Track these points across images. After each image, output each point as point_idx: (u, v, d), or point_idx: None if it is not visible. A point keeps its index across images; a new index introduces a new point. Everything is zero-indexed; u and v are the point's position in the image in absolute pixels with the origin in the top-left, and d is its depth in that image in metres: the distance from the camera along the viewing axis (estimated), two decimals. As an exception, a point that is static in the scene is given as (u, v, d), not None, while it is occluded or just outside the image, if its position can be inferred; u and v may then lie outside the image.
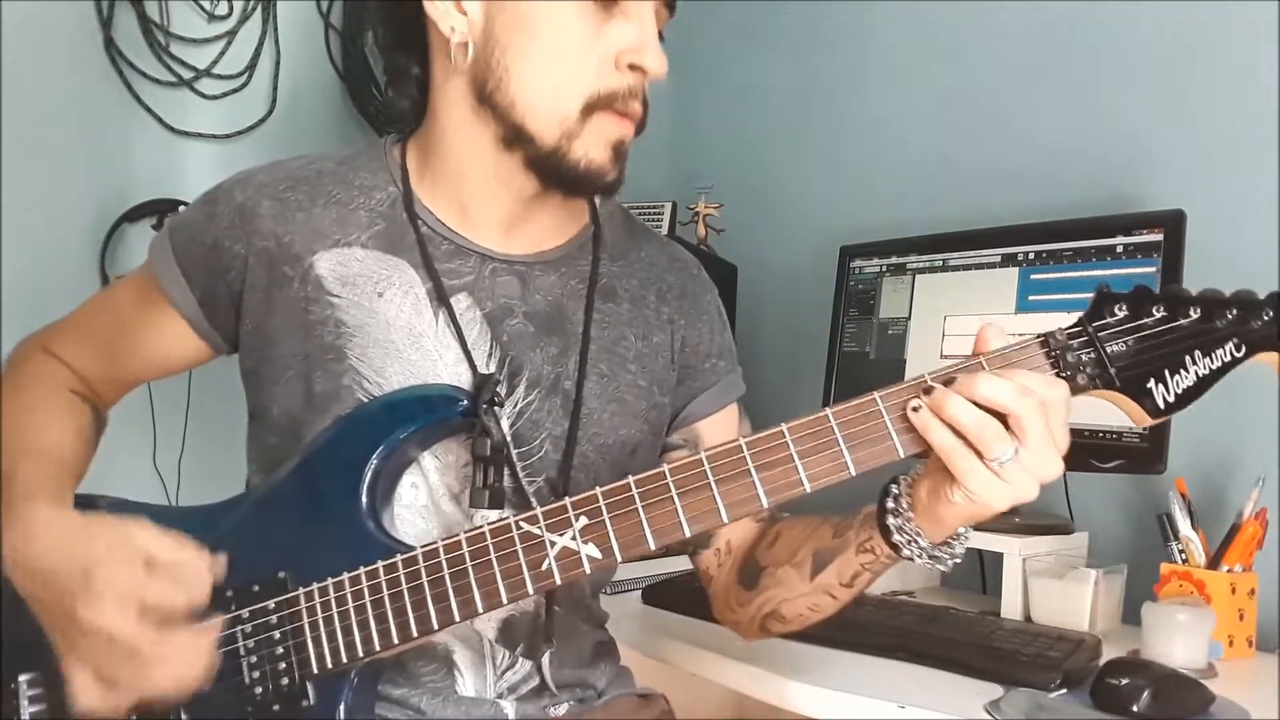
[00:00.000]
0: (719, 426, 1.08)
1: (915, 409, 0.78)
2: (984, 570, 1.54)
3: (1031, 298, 1.40)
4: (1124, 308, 0.80)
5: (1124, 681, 0.98)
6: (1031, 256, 1.41)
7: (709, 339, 1.08)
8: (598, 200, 1.07)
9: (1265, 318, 0.77)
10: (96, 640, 0.81)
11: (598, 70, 0.91)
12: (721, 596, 1.04)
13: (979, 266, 1.47)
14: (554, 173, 0.94)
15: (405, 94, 1.00)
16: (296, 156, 1.03)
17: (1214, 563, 1.24)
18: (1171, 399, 0.78)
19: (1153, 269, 1.28)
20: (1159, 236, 1.28)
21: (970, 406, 0.76)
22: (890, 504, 0.86)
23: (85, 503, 0.94)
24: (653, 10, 0.93)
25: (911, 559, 0.86)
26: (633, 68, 0.92)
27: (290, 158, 1.03)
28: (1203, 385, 0.78)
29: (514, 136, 0.93)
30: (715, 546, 1.03)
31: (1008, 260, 1.43)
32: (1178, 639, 1.13)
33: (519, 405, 0.97)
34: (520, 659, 0.97)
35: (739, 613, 1.01)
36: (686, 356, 1.06)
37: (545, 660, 0.97)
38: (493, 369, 0.96)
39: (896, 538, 0.86)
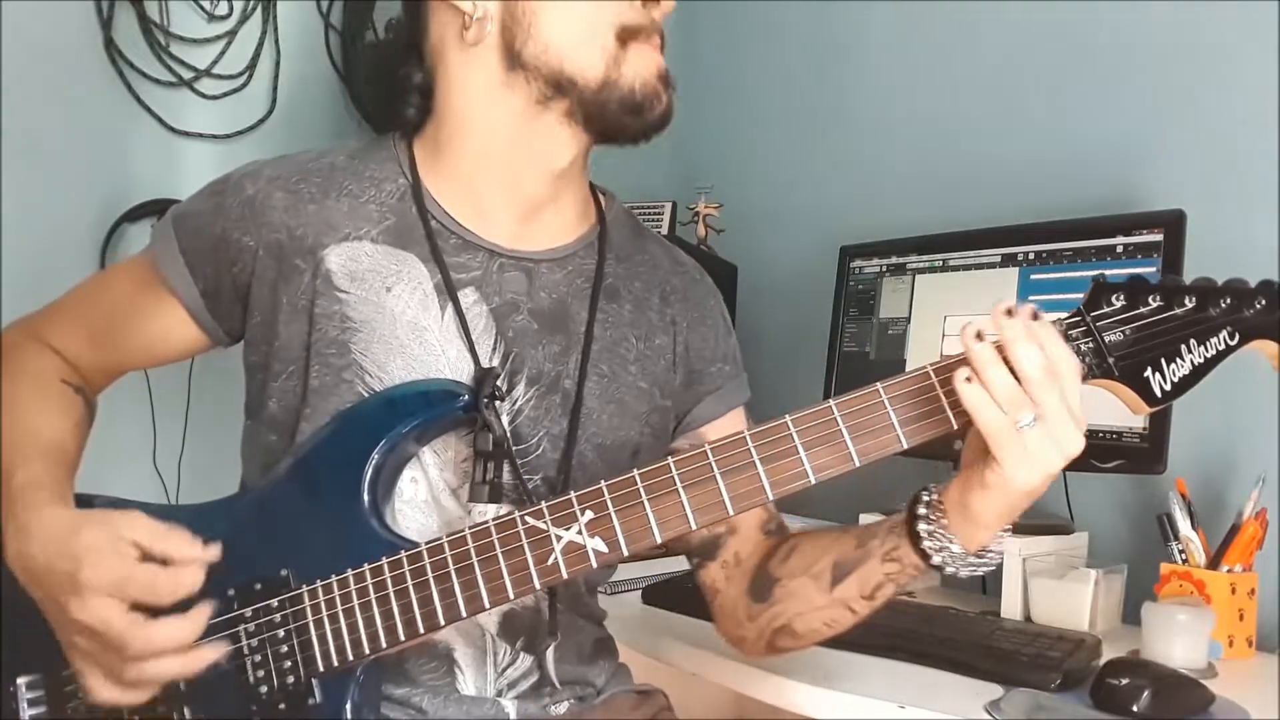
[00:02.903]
0: (724, 431, 1.07)
1: (969, 379, 0.77)
2: (984, 570, 1.54)
3: (1032, 298, 1.39)
4: (1121, 297, 0.80)
5: (1124, 681, 0.98)
6: (1031, 256, 1.41)
7: (713, 343, 1.08)
8: (603, 200, 1.07)
9: (1258, 305, 0.78)
10: (89, 636, 0.81)
11: (618, 4, 0.93)
12: (728, 610, 1.02)
13: (979, 266, 1.47)
14: (608, 107, 0.94)
15: (410, 103, 1.00)
16: (304, 150, 1.03)
17: (1214, 563, 1.24)
18: (1168, 387, 0.79)
19: (1153, 269, 1.28)
20: (1159, 236, 1.29)
21: (1008, 375, 0.76)
22: (921, 510, 0.86)
23: (83, 502, 0.93)
24: None
25: (940, 568, 0.86)
26: (646, 2, 0.94)
27: (298, 152, 1.03)
28: (1198, 373, 0.79)
29: (554, 88, 0.93)
30: (723, 559, 1.02)
31: (1008, 260, 1.43)
32: (1178, 639, 1.13)
33: (518, 403, 0.96)
34: (521, 654, 0.97)
35: (746, 627, 0.99)
36: (691, 360, 1.06)
37: (549, 654, 0.97)
38: (496, 364, 0.96)
39: (927, 543, 0.85)
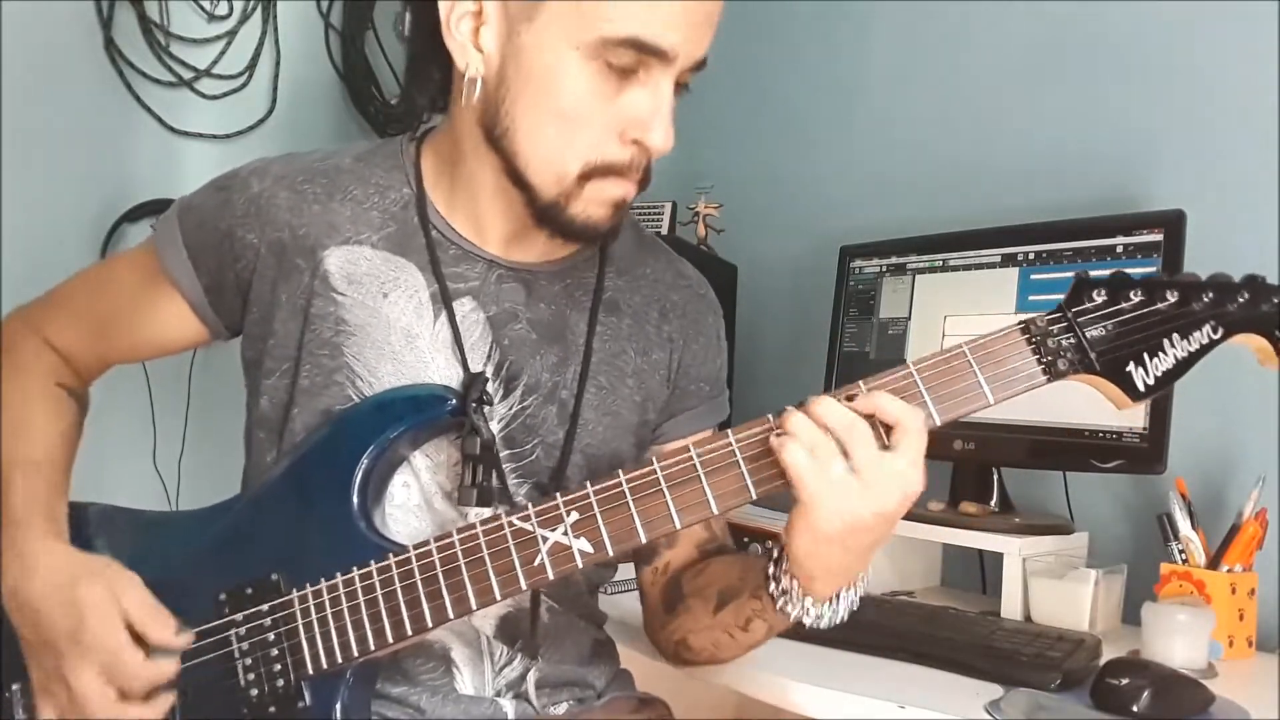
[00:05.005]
0: None
1: (779, 435, 0.79)
2: (984, 570, 1.54)
3: (1031, 298, 1.39)
4: (1103, 293, 0.81)
5: (1124, 681, 0.98)
6: (1031, 256, 1.41)
7: (702, 362, 1.08)
8: None
9: (1241, 299, 0.78)
10: (69, 695, 0.85)
11: (600, 139, 0.89)
12: (648, 615, 1.07)
13: (979, 266, 1.47)
14: (549, 222, 0.93)
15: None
16: (311, 150, 1.03)
17: (1214, 563, 1.24)
18: (1151, 381, 0.79)
19: (1153, 269, 1.28)
20: (1159, 236, 1.28)
21: (814, 428, 0.79)
22: (776, 552, 0.87)
23: (77, 510, 0.95)
24: (672, 79, 0.89)
25: (787, 614, 0.87)
26: (636, 142, 0.90)
27: (305, 151, 1.03)
28: (1182, 367, 0.79)
29: (516, 180, 0.92)
30: (655, 565, 1.05)
31: (1008, 260, 1.43)
32: (1178, 639, 1.13)
33: (514, 409, 0.96)
34: (518, 656, 0.97)
35: (659, 634, 1.04)
36: (678, 378, 1.06)
37: (530, 676, 0.97)
38: (489, 371, 0.96)
39: (773, 586, 0.87)
